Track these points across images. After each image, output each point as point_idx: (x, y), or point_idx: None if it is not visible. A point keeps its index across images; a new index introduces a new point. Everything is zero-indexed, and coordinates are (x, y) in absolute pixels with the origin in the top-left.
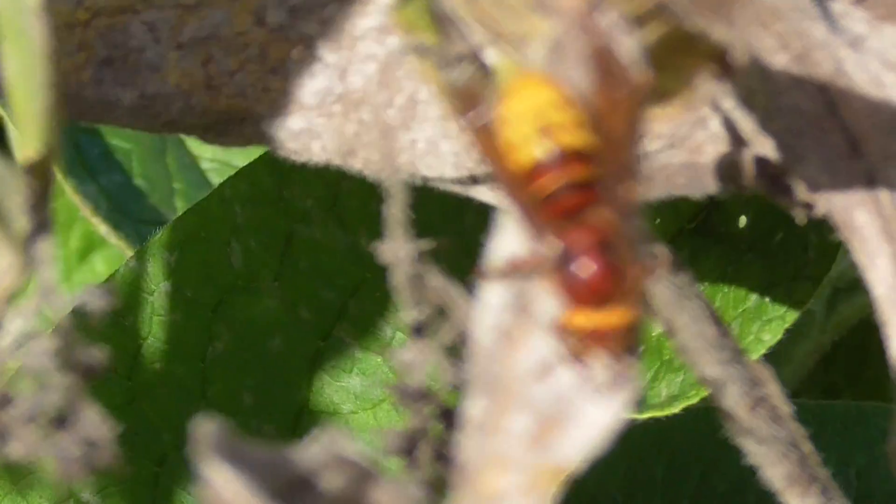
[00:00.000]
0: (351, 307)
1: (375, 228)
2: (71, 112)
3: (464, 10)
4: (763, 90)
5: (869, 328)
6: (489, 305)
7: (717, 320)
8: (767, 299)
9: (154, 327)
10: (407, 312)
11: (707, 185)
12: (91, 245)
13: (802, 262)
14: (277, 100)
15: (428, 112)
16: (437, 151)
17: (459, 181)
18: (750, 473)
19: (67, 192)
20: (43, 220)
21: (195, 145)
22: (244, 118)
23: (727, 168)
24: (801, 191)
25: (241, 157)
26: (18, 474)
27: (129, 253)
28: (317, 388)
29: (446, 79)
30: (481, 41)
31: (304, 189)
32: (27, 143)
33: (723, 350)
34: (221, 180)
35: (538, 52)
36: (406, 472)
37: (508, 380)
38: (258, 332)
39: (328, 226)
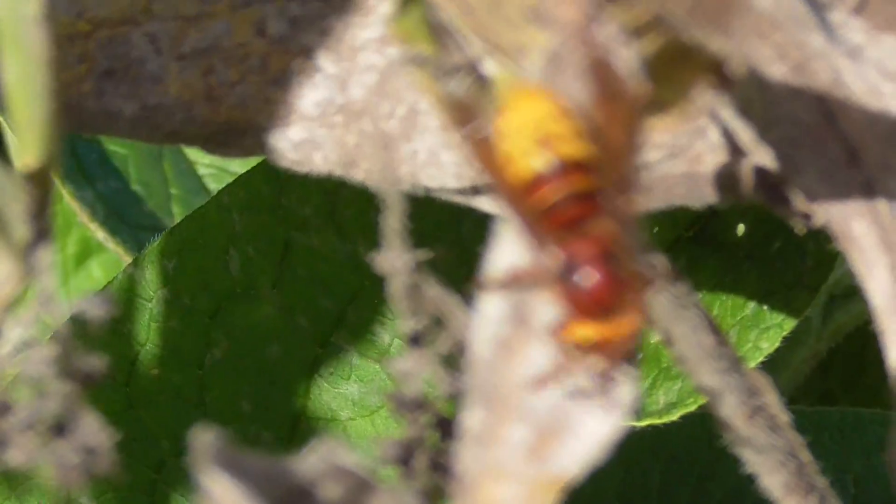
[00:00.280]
0: (349, 314)
1: (373, 236)
2: (72, 123)
3: (461, 21)
4: (761, 100)
5: (865, 335)
6: (488, 316)
7: (716, 329)
8: (765, 307)
9: (152, 334)
10: (404, 322)
11: (706, 195)
12: (88, 250)
13: (800, 270)
14: (278, 111)
15: (429, 122)
16: (438, 162)
17: (461, 191)
18: (746, 481)
19: (65, 198)
20: (42, 228)
21: (192, 151)
22: (245, 129)
23: (726, 178)
24: (799, 201)
25: (238, 162)
26: (17, 480)
27: (126, 259)
28: (314, 394)
29: (444, 90)
30: (479, 52)
31: (302, 197)
32: (27, 152)
33: (721, 359)
34: (218, 186)
35: (536, 64)
36: (402, 481)
37: (507, 391)
38: (256, 340)
39: (326, 234)
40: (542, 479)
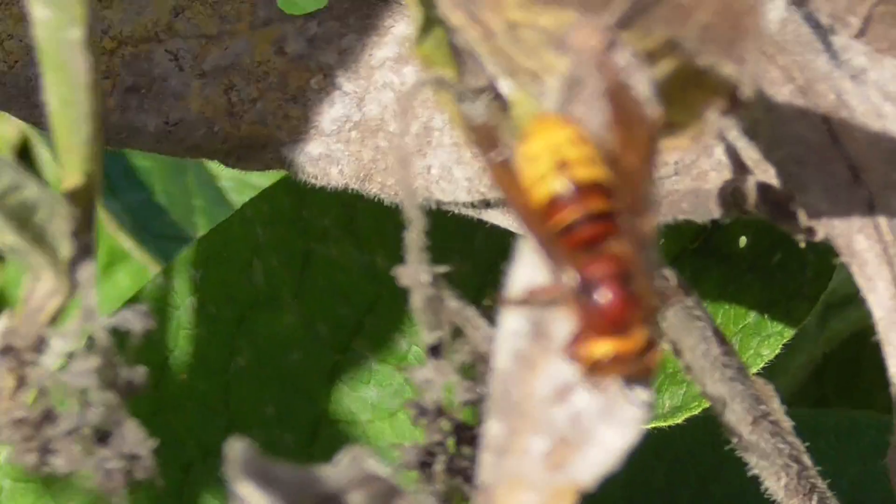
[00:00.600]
0: (367, 323)
1: (390, 247)
2: None
3: (480, 45)
4: (767, 120)
5: (859, 342)
6: (509, 331)
7: (723, 339)
8: (766, 316)
9: (180, 341)
10: (425, 332)
11: (711, 211)
12: (115, 259)
13: (800, 281)
14: (297, 127)
15: (442, 139)
16: (451, 177)
17: (472, 205)
18: (749, 483)
19: None
20: (85, 245)
21: (214, 164)
22: (265, 144)
23: (731, 194)
24: (803, 216)
25: (258, 175)
26: (52, 480)
27: (152, 267)
28: (335, 398)
29: (464, 112)
30: (498, 75)
31: (321, 209)
32: (69, 172)
33: (728, 368)
34: (239, 197)
35: (554, 88)
36: (422, 484)
37: (527, 403)
38: (278, 347)
39: (345, 245)
40: (560, 487)
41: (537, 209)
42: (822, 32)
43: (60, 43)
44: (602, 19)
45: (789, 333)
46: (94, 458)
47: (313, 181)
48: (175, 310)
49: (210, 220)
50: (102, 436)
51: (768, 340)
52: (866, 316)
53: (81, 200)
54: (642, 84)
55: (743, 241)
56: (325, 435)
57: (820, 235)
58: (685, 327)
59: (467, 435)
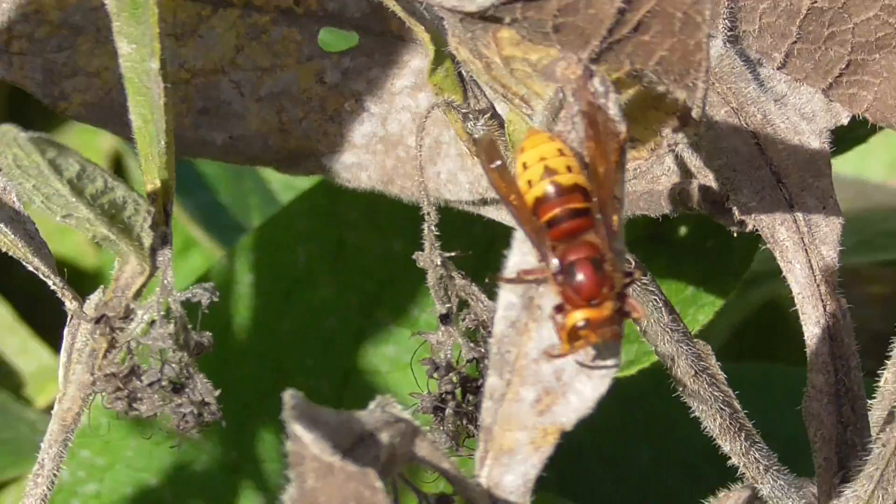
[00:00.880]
0: (386, 295)
1: (406, 235)
2: (175, 150)
3: (481, 75)
4: (708, 135)
5: (771, 310)
6: (505, 304)
7: (671, 309)
8: (701, 290)
9: (240, 309)
10: (437, 304)
11: (663, 207)
12: (188, 246)
13: (728, 262)
14: (334, 141)
15: (449, 150)
16: (456, 180)
17: (472, 203)
18: (691, 422)
19: None
20: (163, 235)
21: (266, 170)
22: (308, 155)
23: (678, 194)
24: (736, 212)
25: (301, 179)
26: (140, 422)
27: (217, 252)
28: (361, 354)
29: (468, 129)
30: (495, 99)
31: (351, 206)
32: (150, 178)
33: (674, 332)
34: (285, 196)
35: (541, 110)
36: (435, 426)
37: (520, 361)
38: (316, 314)
39: (369, 233)
40: (545, 427)
41: (528, 207)
42: (752, 65)
43: (141, 72)
44: (580, 55)
45: (720, 303)
46: (171, 405)
47: (346, 184)
48: (236, 285)
49: (262, 215)
50: (178, 387)
51: (703, 309)
52: (776, 290)
53: (159, 200)
54: (612, 107)
55: (684, 230)
56: (353, 383)
57: (749, 227)
58: (641, 299)
59: (471, 386)
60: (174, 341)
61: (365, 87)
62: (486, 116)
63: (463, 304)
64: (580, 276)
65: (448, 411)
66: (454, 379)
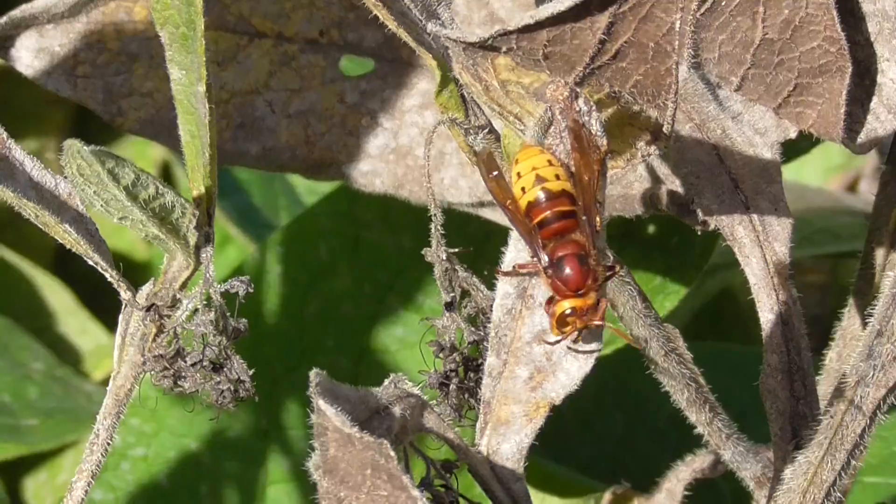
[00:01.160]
0: (397, 283)
1: (413, 233)
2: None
3: (481, 96)
4: (674, 147)
5: (725, 297)
6: (502, 294)
7: (644, 297)
8: (667, 280)
9: (270, 296)
10: (442, 293)
11: (636, 209)
12: (225, 241)
13: (690, 256)
14: (352, 152)
15: (452, 160)
16: (458, 186)
17: (472, 205)
18: (662, 395)
19: None
20: (207, 235)
21: (293, 177)
22: (330, 164)
23: (649, 198)
24: (699, 214)
25: (324, 184)
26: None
27: (250, 246)
28: (374, 335)
29: (470, 143)
30: (493, 117)
31: (366, 207)
32: (196, 185)
33: (647, 317)
34: (310, 199)
35: (533, 126)
36: (441, 400)
37: (515, 343)
38: (336, 300)
39: (382, 231)
40: (538, 402)
41: (521, 211)
42: (712, 88)
43: (190, 95)
44: (567, 79)
45: (683, 292)
46: (211, 382)
47: (362, 189)
48: (267, 275)
49: (290, 215)
50: (217, 367)
51: (669, 297)
52: (729, 280)
53: (204, 204)
54: (594, 124)
55: (651, 228)
56: (367, 360)
57: (711, 227)
58: (619, 289)
59: (472, 365)
60: (215, 327)
61: (379, 105)
62: (484, 131)
63: (465, 294)
64: (567, 270)
65: (452, 387)
66: (457, 359)
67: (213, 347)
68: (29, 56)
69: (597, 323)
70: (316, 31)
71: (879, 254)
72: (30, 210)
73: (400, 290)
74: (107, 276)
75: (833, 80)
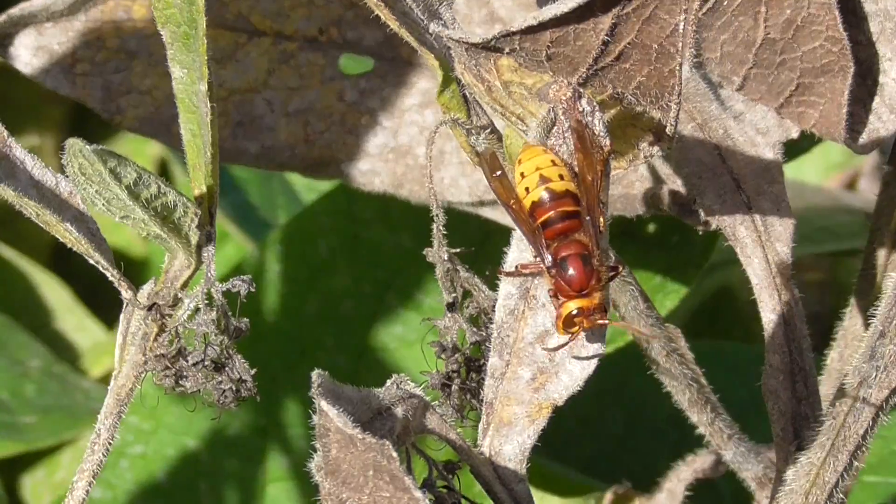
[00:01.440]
0: (395, 282)
1: (412, 231)
2: None
3: (483, 97)
4: (676, 147)
5: (723, 295)
6: (505, 294)
7: (645, 297)
8: (668, 279)
9: (269, 294)
10: (444, 293)
11: (637, 209)
12: (224, 239)
13: (690, 255)
14: (351, 150)
15: (452, 159)
16: (458, 185)
17: (471, 204)
18: (663, 396)
19: None
20: (208, 234)
21: (292, 175)
22: (329, 162)
23: (650, 198)
24: (702, 214)
25: (323, 182)
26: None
27: (247, 244)
28: (373, 333)
29: (472, 143)
30: (495, 117)
31: (365, 206)
32: (197, 184)
33: (649, 317)
34: (309, 197)
35: (535, 127)
36: (443, 400)
37: (517, 344)
38: (335, 298)
39: (381, 230)
40: (540, 403)
41: (525, 211)
42: (714, 87)
43: (191, 93)
44: (570, 80)
45: (684, 291)
46: (212, 382)
47: (361, 187)
48: (266, 273)
49: (288, 213)
50: (219, 366)
51: (669, 296)
52: (728, 278)
53: (205, 203)
54: (598, 124)
55: (652, 227)
56: (367, 358)
57: (713, 227)
58: (621, 290)
59: (475, 366)
60: (216, 326)
61: (379, 104)
62: (486, 132)
63: (466, 294)
64: (571, 270)
65: (454, 388)
66: (459, 359)
67: (215, 347)
68: (28, 54)
69: (603, 322)
70: (315, 29)
71: (881, 254)
72: (31, 209)
73: (399, 288)
74: (108, 275)
75: (835, 79)
